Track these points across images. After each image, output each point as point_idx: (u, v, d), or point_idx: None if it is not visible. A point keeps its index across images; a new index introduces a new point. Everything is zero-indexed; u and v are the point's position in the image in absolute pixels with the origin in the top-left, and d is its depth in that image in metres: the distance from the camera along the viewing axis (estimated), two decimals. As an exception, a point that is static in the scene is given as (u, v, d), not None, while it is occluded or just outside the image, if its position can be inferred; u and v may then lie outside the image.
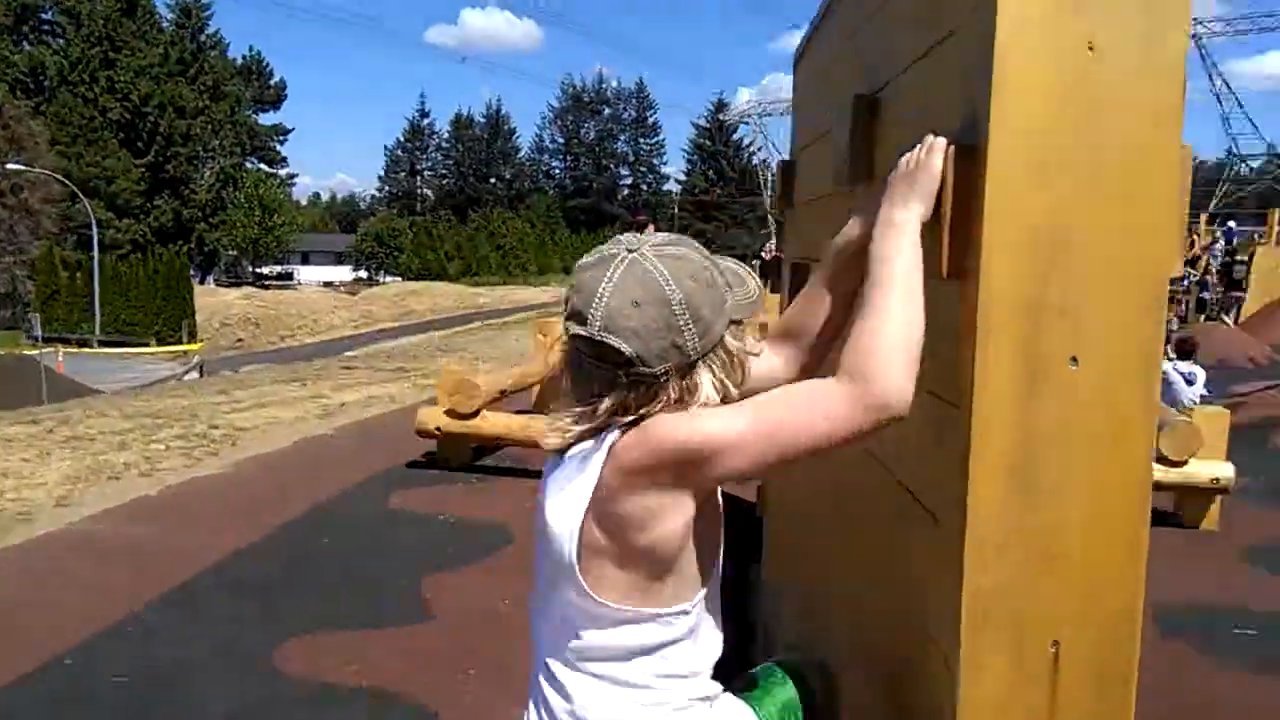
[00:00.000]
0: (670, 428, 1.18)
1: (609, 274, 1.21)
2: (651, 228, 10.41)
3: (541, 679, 1.35)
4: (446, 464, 6.83)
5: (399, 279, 57.29)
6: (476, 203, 75.09)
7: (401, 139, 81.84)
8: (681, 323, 1.20)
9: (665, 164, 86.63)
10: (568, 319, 1.24)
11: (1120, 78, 1.04)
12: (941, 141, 1.15)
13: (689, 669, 1.29)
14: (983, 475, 1.08)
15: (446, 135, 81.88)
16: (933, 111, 1.37)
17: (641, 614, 1.25)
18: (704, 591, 1.30)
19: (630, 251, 1.23)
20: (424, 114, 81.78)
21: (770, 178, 59.20)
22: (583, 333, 1.21)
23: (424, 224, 69.76)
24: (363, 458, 7.33)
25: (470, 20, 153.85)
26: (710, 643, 1.32)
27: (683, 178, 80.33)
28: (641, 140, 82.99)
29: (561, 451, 1.29)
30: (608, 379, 1.21)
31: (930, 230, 1.16)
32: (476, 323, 26.50)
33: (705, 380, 1.22)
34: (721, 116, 72.12)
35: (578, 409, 1.24)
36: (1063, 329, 1.07)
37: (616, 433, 1.22)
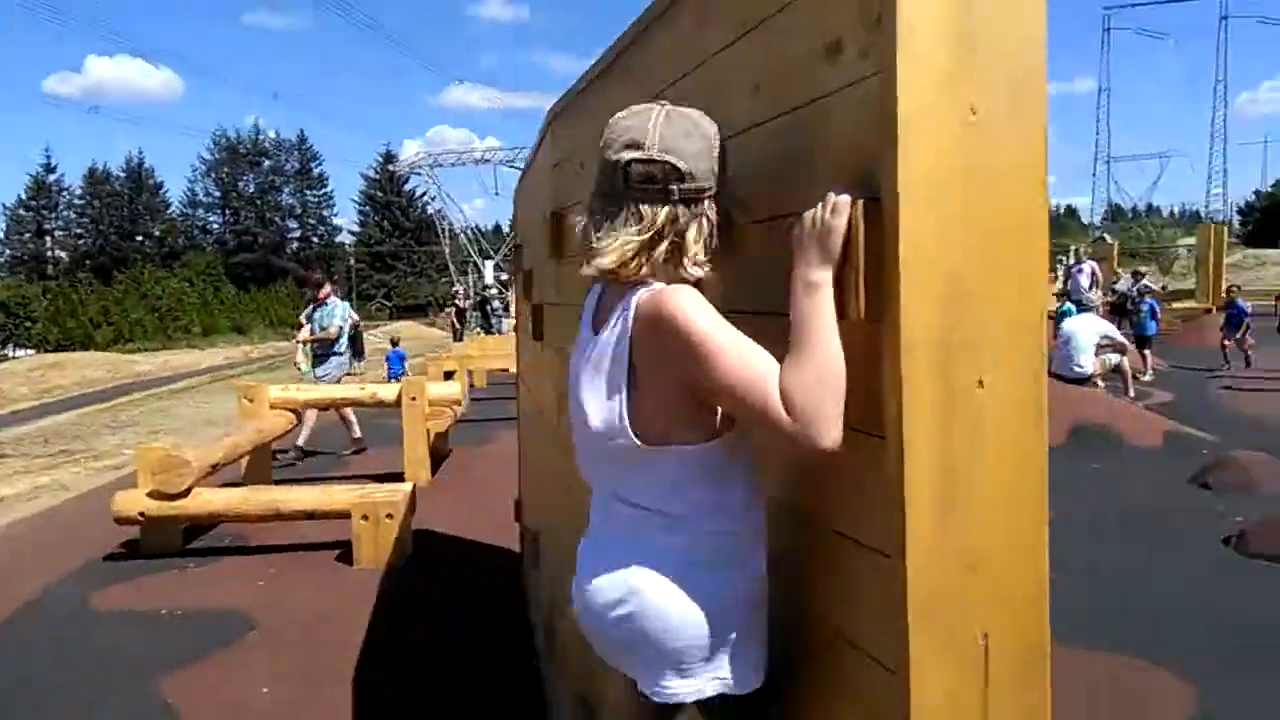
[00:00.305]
0: (680, 304, 1.38)
1: (654, 117, 1.48)
2: (329, 286, 10.03)
3: (597, 519, 1.63)
4: (154, 551, 6.17)
5: (33, 352, 50.61)
6: (122, 263, 68.12)
7: (24, 197, 72.48)
8: (715, 154, 1.49)
9: (336, 215, 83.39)
10: (621, 150, 1.46)
11: (997, 139, 1.21)
12: (845, 200, 1.26)
13: (719, 503, 1.49)
14: (915, 497, 1.20)
15: (80, 191, 73.73)
16: (792, 170, 1.50)
17: (684, 450, 1.46)
18: (729, 436, 1.48)
19: (663, 105, 1.52)
20: (50, 169, 73.03)
21: (447, 227, 58.96)
22: (641, 155, 1.45)
23: (60, 289, 62.27)
24: (46, 557, 6.44)
25: (97, 68, 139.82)
26: (746, 488, 1.52)
27: (356, 229, 78.07)
28: (308, 192, 79.43)
29: (596, 330, 1.56)
30: (659, 197, 1.45)
31: (849, 279, 1.27)
32: (138, 393, 23.98)
33: (712, 214, 1.48)
34: (391, 167, 70.93)
35: (632, 231, 1.45)
36: (969, 361, 1.22)
37: (641, 292, 1.45)
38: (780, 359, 1.32)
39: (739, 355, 1.34)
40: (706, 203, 1.47)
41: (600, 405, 1.51)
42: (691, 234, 1.46)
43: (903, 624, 1.22)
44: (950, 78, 1.20)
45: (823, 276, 1.30)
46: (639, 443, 1.46)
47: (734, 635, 1.49)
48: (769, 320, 1.42)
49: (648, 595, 1.48)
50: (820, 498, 1.44)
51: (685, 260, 1.46)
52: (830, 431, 1.27)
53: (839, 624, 1.40)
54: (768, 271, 1.50)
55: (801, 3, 1.44)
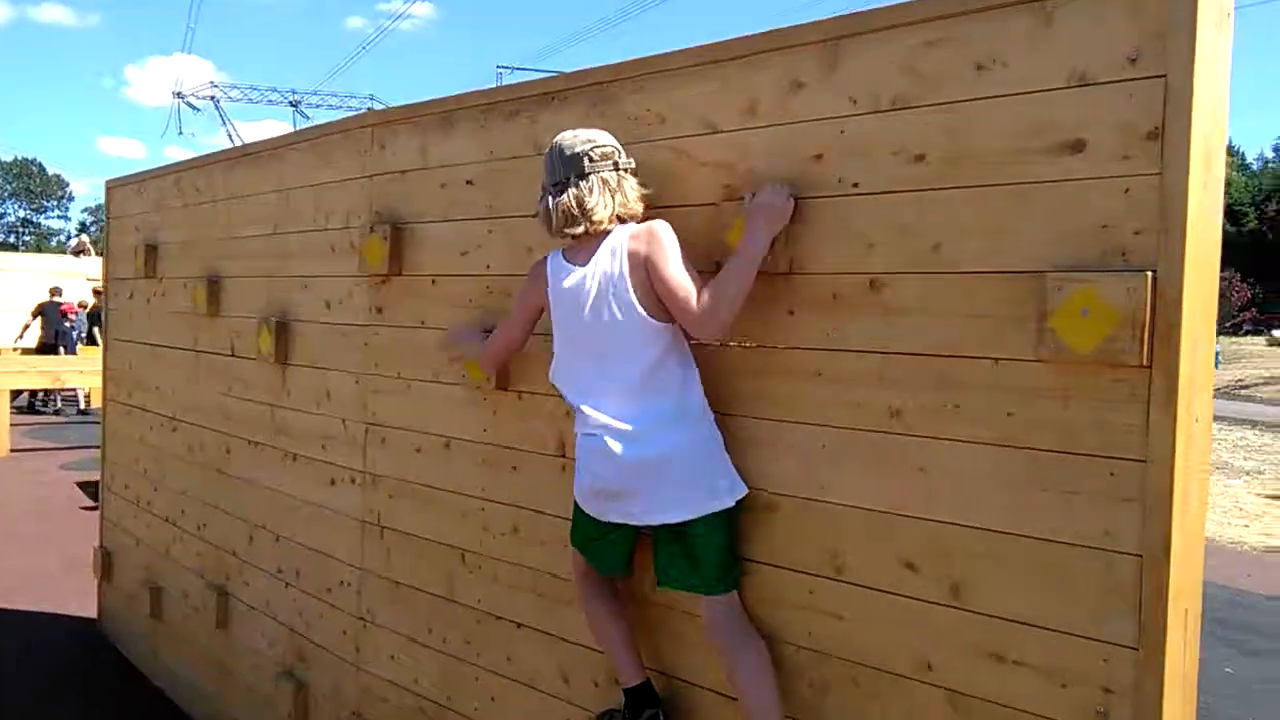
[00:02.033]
0: (664, 228, 2.11)
1: (592, 128, 2.25)
2: None
3: (591, 407, 2.15)
4: None
5: None
6: None
7: None
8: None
9: None
10: (585, 144, 2.18)
11: (1211, 227, 1.61)
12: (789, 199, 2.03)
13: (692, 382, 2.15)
14: (1177, 507, 1.54)
15: None
16: (975, 233, 1.76)
17: (672, 327, 2.11)
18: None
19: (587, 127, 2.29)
20: None
21: None
22: (598, 143, 2.19)
23: None
24: None
25: None
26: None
27: None
28: None
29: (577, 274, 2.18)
30: (611, 168, 2.17)
31: (1130, 335, 1.57)
32: None
33: (632, 182, 2.23)
34: None
35: (607, 193, 2.16)
36: (1197, 398, 1.59)
37: (626, 228, 2.16)
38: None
39: (684, 267, 2.07)
40: (630, 174, 2.21)
41: (617, 309, 2.10)
42: (630, 190, 2.19)
43: (1161, 608, 1.55)
44: (1203, 185, 1.58)
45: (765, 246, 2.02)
46: (649, 317, 2.07)
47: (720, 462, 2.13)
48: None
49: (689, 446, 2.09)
50: (1040, 517, 1.71)
51: (630, 205, 2.18)
52: (720, 325, 2.02)
53: (1049, 617, 1.68)
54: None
55: (1022, 100, 1.72)
